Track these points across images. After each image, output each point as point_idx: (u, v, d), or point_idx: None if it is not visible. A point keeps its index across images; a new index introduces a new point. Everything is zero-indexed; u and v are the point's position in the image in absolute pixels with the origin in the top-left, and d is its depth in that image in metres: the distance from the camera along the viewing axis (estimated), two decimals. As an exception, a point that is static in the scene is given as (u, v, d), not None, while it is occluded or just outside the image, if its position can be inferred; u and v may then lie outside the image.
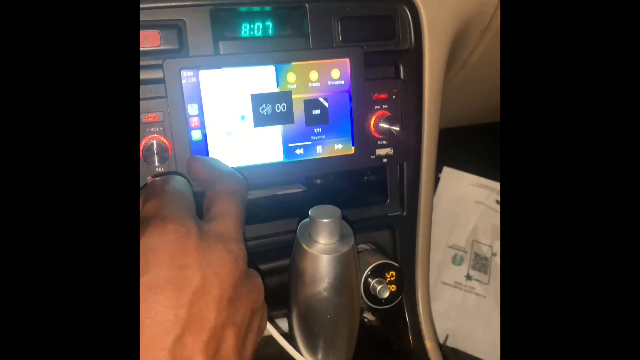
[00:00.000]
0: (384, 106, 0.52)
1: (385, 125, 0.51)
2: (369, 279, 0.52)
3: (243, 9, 0.48)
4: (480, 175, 1.21)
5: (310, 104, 0.49)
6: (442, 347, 1.10)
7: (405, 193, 0.57)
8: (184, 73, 0.45)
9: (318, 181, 0.64)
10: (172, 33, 0.45)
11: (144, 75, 0.45)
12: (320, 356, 0.44)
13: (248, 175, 0.48)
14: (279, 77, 0.47)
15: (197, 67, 0.45)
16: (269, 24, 0.49)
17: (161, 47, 0.45)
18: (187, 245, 0.31)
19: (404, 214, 0.58)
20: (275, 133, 0.48)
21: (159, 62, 0.44)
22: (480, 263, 1.18)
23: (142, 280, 0.29)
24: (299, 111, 0.49)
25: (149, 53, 0.45)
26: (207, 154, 0.46)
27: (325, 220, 0.39)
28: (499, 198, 1.20)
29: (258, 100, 0.47)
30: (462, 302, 1.16)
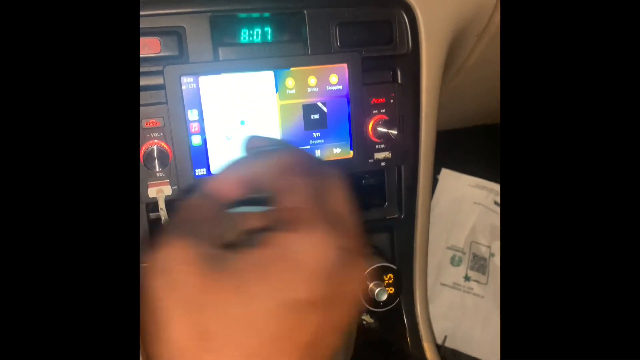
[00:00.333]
0: (381, 110, 0.53)
1: (383, 129, 0.52)
2: (367, 282, 0.52)
3: (242, 15, 0.48)
4: (478, 176, 1.22)
5: (309, 108, 0.50)
6: (441, 348, 1.11)
7: (403, 196, 0.58)
8: (184, 79, 0.45)
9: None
10: (172, 40, 0.45)
11: (144, 81, 0.45)
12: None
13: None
14: (278, 83, 0.48)
15: (197, 73, 0.45)
16: (268, 30, 0.49)
17: (161, 54, 0.45)
18: None
19: (402, 216, 0.58)
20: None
21: (160, 68, 0.45)
22: (478, 264, 1.19)
23: None
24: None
25: (150, 59, 0.45)
26: (207, 159, 0.47)
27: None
28: (497, 199, 1.20)
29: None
30: (461, 302, 1.17)
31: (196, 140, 0.46)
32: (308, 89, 0.49)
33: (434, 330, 0.63)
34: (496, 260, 1.19)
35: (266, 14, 0.49)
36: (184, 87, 0.45)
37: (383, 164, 0.54)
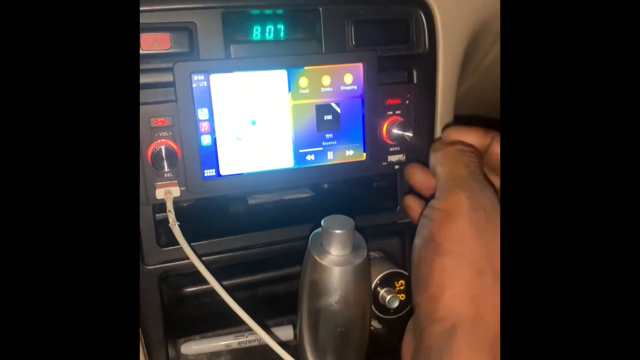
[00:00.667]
0: (396, 112, 0.51)
1: (398, 132, 0.50)
2: (378, 288, 0.51)
3: (255, 11, 0.47)
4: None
5: (322, 109, 0.48)
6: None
7: (416, 200, 0.56)
8: (195, 77, 0.44)
9: (325, 186, 0.64)
10: (183, 36, 0.44)
11: (153, 78, 0.44)
12: (329, 368, 0.43)
13: (258, 182, 0.47)
14: (291, 82, 0.46)
15: (207, 71, 0.44)
16: (281, 27, 0.48)
17: (171, 50, 0.44)
18: None
19: (414, 221, 0.57)
20: (286, 139, 0.47)
21: (169, 65, 0.43)
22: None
23: None
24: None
25: (159, 56, 0.44)
26: (217, 160, 0.45)
27: (338, 231, 0.39)
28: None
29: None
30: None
31: (206, 140, 0.45)
32: (322, 88, 0.48)
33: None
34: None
35: (279, 11, 0.48)
36: (194, 85, 0.44)
37: (397, 166, 0.52)
